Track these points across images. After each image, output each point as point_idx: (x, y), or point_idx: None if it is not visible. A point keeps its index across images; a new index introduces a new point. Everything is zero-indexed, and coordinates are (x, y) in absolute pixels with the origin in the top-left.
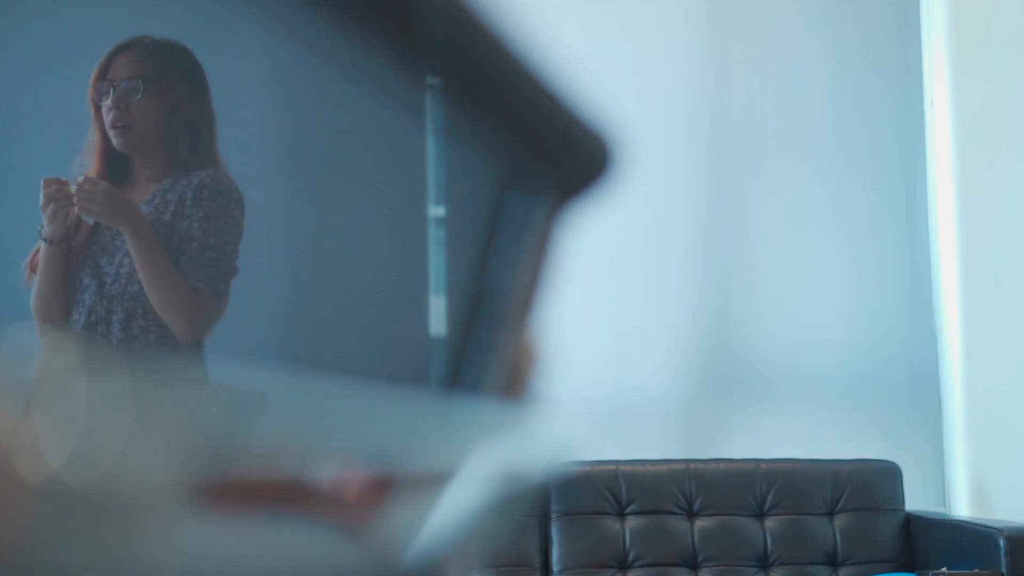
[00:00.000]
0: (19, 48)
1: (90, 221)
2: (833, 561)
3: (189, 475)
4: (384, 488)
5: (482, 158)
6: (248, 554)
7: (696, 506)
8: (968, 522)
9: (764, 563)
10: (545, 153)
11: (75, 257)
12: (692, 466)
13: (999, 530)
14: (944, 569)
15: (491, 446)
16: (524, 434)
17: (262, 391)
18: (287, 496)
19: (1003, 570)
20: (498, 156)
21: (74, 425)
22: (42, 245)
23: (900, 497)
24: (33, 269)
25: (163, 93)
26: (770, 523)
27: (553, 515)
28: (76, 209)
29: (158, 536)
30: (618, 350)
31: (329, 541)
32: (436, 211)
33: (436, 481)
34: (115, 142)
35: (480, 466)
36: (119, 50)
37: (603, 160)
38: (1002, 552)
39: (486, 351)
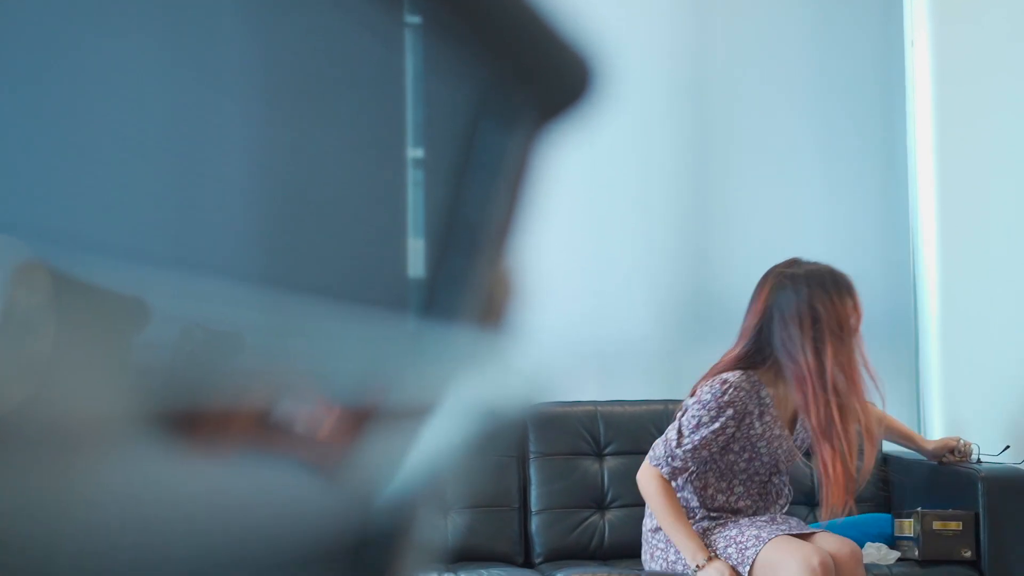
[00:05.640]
0: (17, 43)
1: None
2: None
3: (156, 410)
4: (358, 423)
5: (462, 93)
6: (220, 492)
7: None
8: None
9: None
10: (524, 72)
11: None
12: (671, 406)
13: (976, 470)
14: (919, 508)
15: (467, 379)
16: (501, 368)
17: (237, 331)
18: (259, 433)
19: (979, 509)
20: (477, 82)
21: (34, 358)
22: None
23: None
24: None
25: None
26: None
27: (531, 455)
28: None
29: (115, 471)
30: (597, 290)
31: (302, 479)
32: (415, 153)
33: (411, 414)
34: None
35: (456, 403)
36: None
37: (583, 80)
38: (979, 492)
39: (461, 280)
